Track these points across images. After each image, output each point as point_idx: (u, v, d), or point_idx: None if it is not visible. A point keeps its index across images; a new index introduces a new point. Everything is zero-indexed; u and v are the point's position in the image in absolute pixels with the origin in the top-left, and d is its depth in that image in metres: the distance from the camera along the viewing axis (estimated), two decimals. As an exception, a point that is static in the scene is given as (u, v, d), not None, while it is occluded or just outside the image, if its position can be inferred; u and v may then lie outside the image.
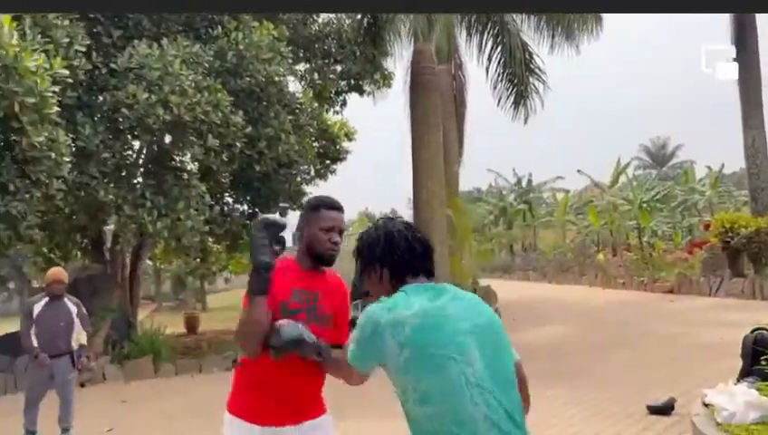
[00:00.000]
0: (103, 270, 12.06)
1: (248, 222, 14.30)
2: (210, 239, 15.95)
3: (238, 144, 10.30)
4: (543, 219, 38.11)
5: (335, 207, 2.41)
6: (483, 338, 1.75)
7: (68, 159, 8.53)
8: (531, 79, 14.59)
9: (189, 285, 30.78)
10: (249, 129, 10.21)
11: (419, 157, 13.45)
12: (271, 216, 2.28)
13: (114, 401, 8.54)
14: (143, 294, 37.15)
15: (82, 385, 9.69)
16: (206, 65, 9.96)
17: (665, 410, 5.88)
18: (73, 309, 6.29)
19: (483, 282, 20.91)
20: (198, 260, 18.67)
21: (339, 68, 14.19)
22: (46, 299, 6.25)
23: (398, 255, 1.88)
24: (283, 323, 2.16)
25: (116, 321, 11.18)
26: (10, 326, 10.48)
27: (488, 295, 17.41)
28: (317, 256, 2.40)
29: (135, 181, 10.07)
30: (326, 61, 14.00)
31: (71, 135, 8.86)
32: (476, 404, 1.65)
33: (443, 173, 13.84)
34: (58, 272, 6.44)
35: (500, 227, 38.51)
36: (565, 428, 5.78)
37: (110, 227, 12.05)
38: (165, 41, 9.58)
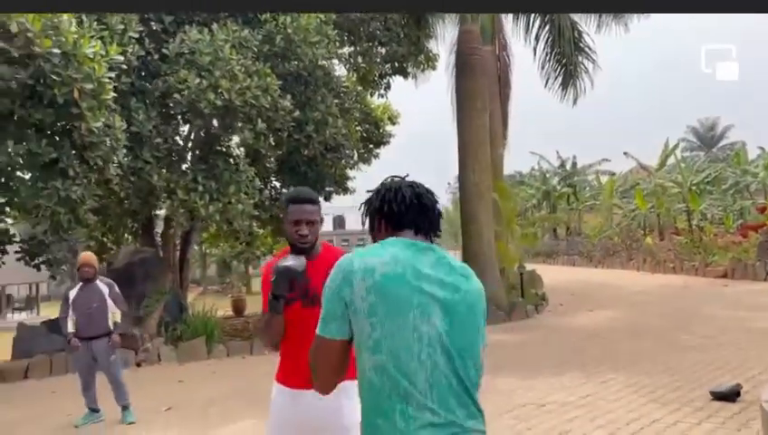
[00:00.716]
0: (155, 254, 12.30)
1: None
2: (256, 224, 16.18)
3: (286, 128, 10.35)
4: (588, 203, 37.43)
5: (300, 199, 2.63)
6: (453, 308, 1.69)
7: (123, 144, 8.71)
8: (580, 58, 14.25)
9: (234, 269, 31.36)
10: (297, 113, 10.23)
11: (466, 140, 13.31)
12: (290, 264, 2.49)
13: (170, 382, 8.73)
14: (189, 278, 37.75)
15: (138, 365, 9.97)
16: (255, 49, 10.01)
17: (729, 396, 5.71)
18: (105, 290, 6.41)
19: (527, 266, 20.70)
20: (245, 244, 18.95)
21: (383, 51, 14.09)
22: (80, 284, 6.42)
23: (393, 206, 1.83)
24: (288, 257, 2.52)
25: (168, 303, 11.41)
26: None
27: (533, 280, 17.25)
28: (292, 247, 2.63)
29: (186, 166, 10.21)
30: (371, 44, 13.93)
31: (125, 120, 9.02)
32: (422, 362, 1.62)
33: (489, 157, 13.67)
34: (87, 256, 6.55)
35: (543, 211, 37.97)
36: (624, 413, 5.67)
37: (160, 212, 12.28)
38: (215, 26, 9.65)
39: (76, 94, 7.51)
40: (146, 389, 8.41)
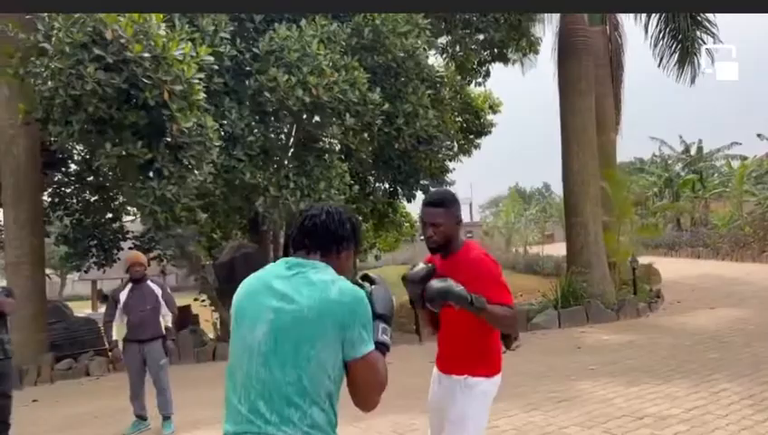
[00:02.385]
0: (257, 249, 12.59)
1: (391, 200, 14.30)
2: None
3: (377, 122, 10.20)
4: (716, 190, 34.57)
5: (428, 202, 2.83)
6: (279, 318, 1.81)
7: (217, 144, 8.91)
8: (698, 33, 13.01)
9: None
10: (386, 106, 10.04)
11: (569, 126, 12.57)
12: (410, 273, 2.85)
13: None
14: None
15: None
16: (344, 43, 9.92)
17: None
18: (158, 291, 6.24)
19: (645, 259, 19.37)
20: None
21: (480, 37, 13.58)
22: (130, 285, 6.26)
23: (288, 233, 2.08)
24: (433, 281, 2.66)
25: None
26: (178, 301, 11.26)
27: (650, 274, 16.10)
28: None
29: (279, 163, 10.29)
30: (467, 31, 13.46)
31: (219, 120, 9.22)
32: (242, 368, 1.83)
33: (595, 143, 12.83)
34: (136, 255, 6.42)
35: (665, 200, 35.50)
36: (735, 431, 4.99)
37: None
38: (303, 22, 9.65)
39: (166, 96, 7.74)
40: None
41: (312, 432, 1.78)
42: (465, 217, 55.58)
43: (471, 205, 55.97)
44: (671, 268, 20.92)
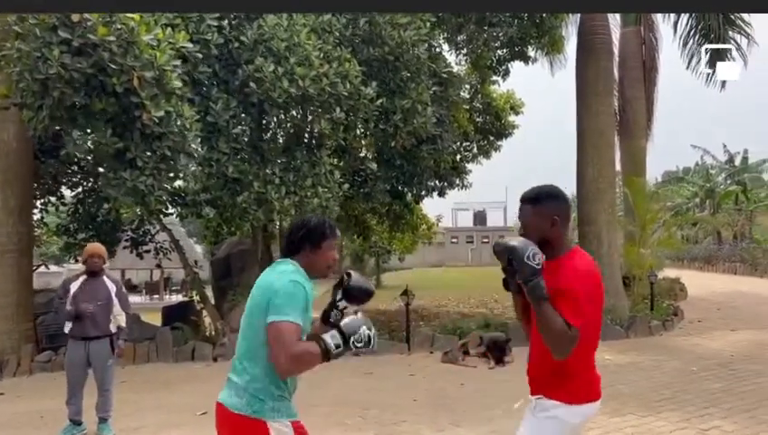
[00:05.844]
0: (252, 244, 12.11)
1: (398, 201, 13.68)
2: (373, 218, 15.64)
3: (372, 118, 9.66)
4: (763, 203, 32.90)
5: (521, 198, 2.62)
6: (251, 298, 2.50)
7: (198, 135, 8.50)
8: (731, 33, 12.10)
9: (366, 263, 31.48)
10: (380, 101, 9.48)
11: (585, 129, 11.82)
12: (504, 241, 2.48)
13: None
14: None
15: (215, 360, 9.81)
16: (338, 34, 9.42)
17: None
18: (112, 287, 5.85)
19: (673, 273, 18.36)
20: (362, 238, 18.65)
21: (496, 33, 12.89)
22: (84, 277, 5.85)
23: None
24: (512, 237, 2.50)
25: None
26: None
27: (673, 290, 15.24)
28: None
29: (268, 158, 9.79)
30: (483, 27, 12.79)
31: (202, 111, 8.82)
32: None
33: (613, 148, 12.06)
34: (95, 247, 6.01)
35: (705, 212, 33.98)
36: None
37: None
38: (295, 10, 9.19)
39: (135, 82, 7.36)
40: (213, 385, 8.07)
41: (251, 383, 2.41)
42: (499, 222, 54.48)
43: (505, 209, 54.85)
44: (702, 283, 19.88)
